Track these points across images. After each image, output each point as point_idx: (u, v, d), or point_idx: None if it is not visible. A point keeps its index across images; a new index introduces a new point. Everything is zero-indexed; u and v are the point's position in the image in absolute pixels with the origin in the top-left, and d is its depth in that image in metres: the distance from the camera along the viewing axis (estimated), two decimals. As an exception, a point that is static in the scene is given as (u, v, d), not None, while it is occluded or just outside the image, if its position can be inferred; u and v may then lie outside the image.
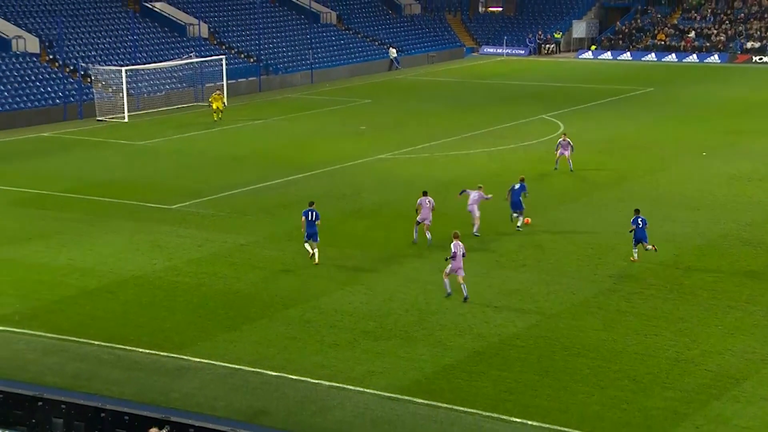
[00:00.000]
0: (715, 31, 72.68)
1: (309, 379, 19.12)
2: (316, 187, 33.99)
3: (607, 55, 73.43)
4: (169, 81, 54.74)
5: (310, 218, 26.05)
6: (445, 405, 18.08)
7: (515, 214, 28.85)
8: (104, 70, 51.47)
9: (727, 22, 73.68)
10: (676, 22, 75.72)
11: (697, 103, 52.77)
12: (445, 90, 59.50)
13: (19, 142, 43.33)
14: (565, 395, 18.48)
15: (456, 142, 42.22)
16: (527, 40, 76.63)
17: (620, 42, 74.77)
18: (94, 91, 50.39)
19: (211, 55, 56.88)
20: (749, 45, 70.56)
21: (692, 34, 73.23)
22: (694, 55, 71.03)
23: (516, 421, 17.48)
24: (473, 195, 28.30)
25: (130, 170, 37.79)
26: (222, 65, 54.46)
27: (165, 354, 20.25)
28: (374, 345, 20.80)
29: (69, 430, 15.57)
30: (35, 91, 49.18)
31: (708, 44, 71.75)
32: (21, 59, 51.11)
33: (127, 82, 49.71)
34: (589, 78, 63.03)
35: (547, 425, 17.30)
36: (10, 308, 22.75)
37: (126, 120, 48.60)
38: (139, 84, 52.71)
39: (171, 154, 40.75)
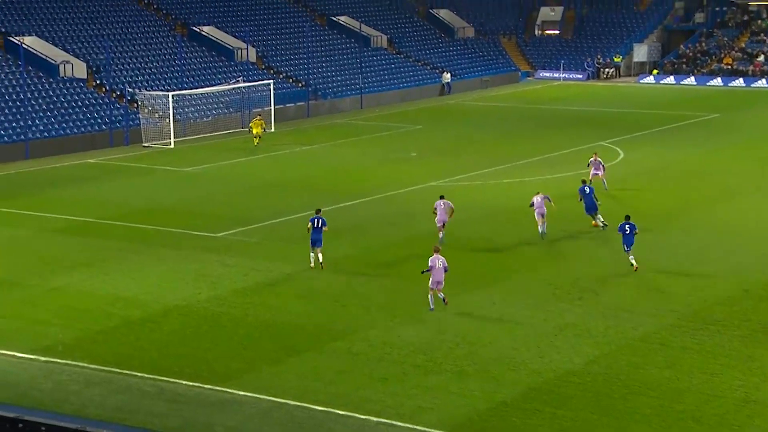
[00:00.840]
0: (787, 55, 71.78)
1: (357, 415, 19.08)
2: (365, 215, 34.11)
3: (670, 79, 72.84)
4: (215, 106, 55.56)
5: (316, 225, 27.58)
6: (498, 444, 17.91)
7: (595, 215, 31.41)
8: (151, 95, 52.45)
9: (799, 45, 72.75)
10: (744, 46, 74.86)
11: (764, 130, 51.97)
12: (500, 115, 59.46)
13: (65, 169, 44.26)
14: (624, 436, 18.20)
15: (510, 170, 42.09)
16: (585, 63, 76.37)
17: (684, 66, 74.12)
18: (141, 116, 51.33)
19: (259, 80, 57.65)
20: (822, 69, 69.49)
21: (761, 58, 72.28)
22: (763, 80, 70.08)
23: (573, 463, 17.23)
24: (537, 200, 30.66)
25: (175, 197, 38.34)
26: (270, 90, 55.14)
27: (209, 386, 20.39)
28: (424, 379, 20.72)
29: (111, 463, 15.69)
30: (81, 117, 50.24)
31: (778, 68, 70.81)
32: (68, 84, 52.28)
33: (173, 108, 50.57)
34: (651, 103, 62.53)
35: (606, 467, 17.02)
36: (54, 338, 23.12)
37: (172, 146, 49.38)
38: (186, 109, 53.58)
39: (217, 181, 41.26)
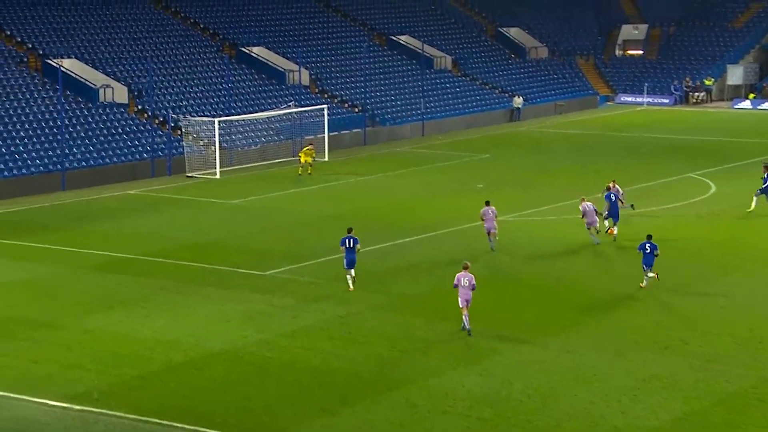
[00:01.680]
0: None
1: (415, 473, 19.02)
2: (426, 252, 34.14)
3: (768, 104, 71.91)
4: (265, 133, 56.26)
5: (349, 245, 29.36)
6: None
7: (614, 224, 34.93)
8: (196, 121, 53.31)
9: None
10: None
11: None
12: (576, 144, 59.19)
13: (104, 201, 45.13)
14: (716, 502, 17.84)
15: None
16: (672, 87, 75.74)
17: (785, 90, 73.10)
18: (184, 144, 52.18)
19: (312, 105, 58.27)
20: None
21: None
22: None
23: None
24: (586, 207, 34.15)
25: (220, 232, 38.83)
26: (323, 116, 55.68)
27: (254, 439, 20.51)
28: (491, 435, 20.59)
29: None
30: (122, 144, 51.18)
31: None
32: (108, 110, 53.38)
33: (219, 135, 51.32)
34: (747, 131, 61.73)
35: None
36: (89, 385, 23.46)
37: (218, 176, 50.08)
38: (233, 136, 54.35)
39: (266, 214, 41.70)
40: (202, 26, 65.17)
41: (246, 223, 40.31)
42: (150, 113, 53.31)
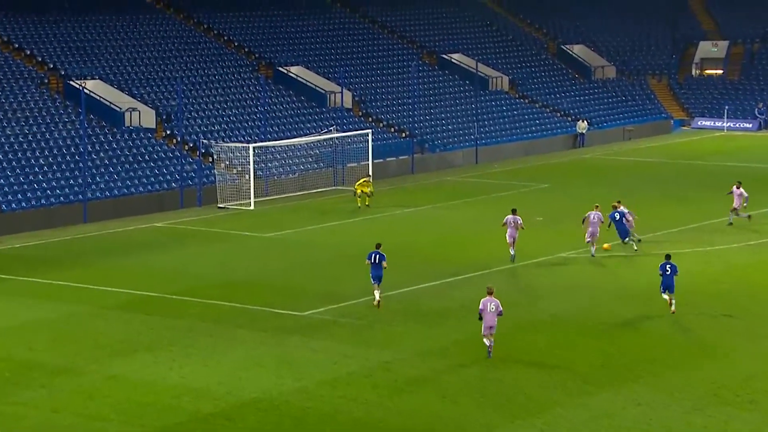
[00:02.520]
0: None
1: None
2: (479, 292, 33.93)
3: None
4: (304, 160, 56.66)
5: (374, 260, 31.96)
6: None
7: (627, 240, 38.39)
8: (229, 147, 53.83)
9: None
10: None
11: None
12: (647, 173, 58.83)
13: (129, 234, 45.61)
14: None
15: (660, 239, 41.53)
16: (756, 110, 75.19)
17: None
18: (216, 172, 52.68)
19: (355, 129, 58.64)
20: None
21: None
22: None
23: None
24: (593, 216, 37.87)
25: (254, 268, 39.02)
26: (368, 141, 55.97)
27: (290, 497, 20.52)
28: (552, 497, 20.44)
29: None
30: (149, 173, 51.75)
31: None
32: (134, 135, 54.08)
33: (254, 162, 51.76)
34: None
35: None
36: (111, 435, 23.67)
37: (252, 207, 50.44)
38: (269, 164, 54.80)
39: (304, 249, 41.88)
40: (236, 44, 65.94)
41: (282, 258, 40.49)
42: (179, 139, 53.92)
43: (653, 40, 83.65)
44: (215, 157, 53.73)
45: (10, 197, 46.83)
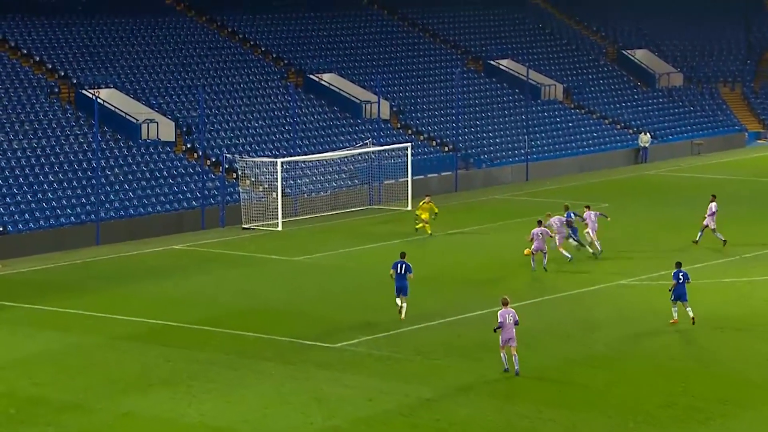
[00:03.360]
0: None
1: None
2: (531, 323, 33.90)
3: None
4: (337, 176, 56.76)
5: (399, 271, 33.38)
6: None
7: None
8: (254, 162, 54.02)
9: None
10: None
11: None
12: (718, 191, 58.11)
13: (145, 258, 45.85)
14: None
15: (733, 265, 41.31)
16: (840, 121, 74.58)
17: None
18: (241, 190, 52.89)
19: (393, 143, 58.66)
20: None
21: None
22: None
23: None
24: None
25: (282, 295, 39.09)
26: (407, 156, 55.99)
27: None
28: None
29: None
30: (167, 190, 52.01)
31: None
32: (152, 149, 54.38)
33: (282, 178, 51.91)
34: None
35: None
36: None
37: (280, 228, 50.58)
38: (299, 180, 54.95)
39: (336, 274, 41.91)
40: (263, 49, 66.28)
41: (312, 284, 40.55)
42: (200, 153, 54.15)
43: (725, 43, 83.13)
44: (240, 173, 53.93)
45: (16, 217, 47.20)
